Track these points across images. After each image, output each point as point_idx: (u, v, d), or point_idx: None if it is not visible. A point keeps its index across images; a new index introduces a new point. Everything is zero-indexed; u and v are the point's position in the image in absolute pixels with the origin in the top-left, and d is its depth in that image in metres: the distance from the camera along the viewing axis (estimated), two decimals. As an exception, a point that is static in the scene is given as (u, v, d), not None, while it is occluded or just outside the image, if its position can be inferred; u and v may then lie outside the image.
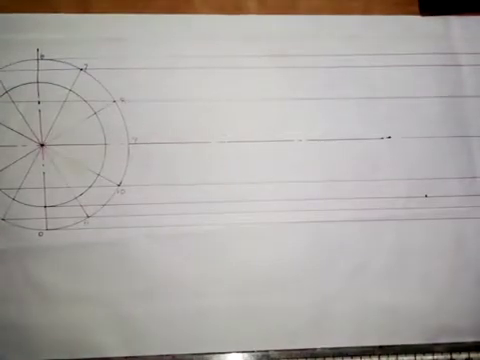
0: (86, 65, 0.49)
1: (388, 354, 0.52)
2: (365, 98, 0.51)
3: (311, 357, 0.52)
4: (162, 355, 0.51)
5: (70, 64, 0.49)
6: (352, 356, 0.52)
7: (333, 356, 0.52)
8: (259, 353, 0.52)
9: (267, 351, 0.52)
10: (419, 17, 0.51)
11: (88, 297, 0.50)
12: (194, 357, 0.51)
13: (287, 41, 0.51)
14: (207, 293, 0.51)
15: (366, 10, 0.51)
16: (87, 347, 0.51)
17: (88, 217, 0.50)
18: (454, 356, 0.52)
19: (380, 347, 0.52)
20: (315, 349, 0.52)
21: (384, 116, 0.51)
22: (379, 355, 0.52)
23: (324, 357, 0.52)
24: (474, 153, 0.52)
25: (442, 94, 0.52)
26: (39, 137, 0.49)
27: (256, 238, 0.51)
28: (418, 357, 0.52)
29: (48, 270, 0.50)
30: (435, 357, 0.52)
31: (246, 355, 0.52)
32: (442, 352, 0.52)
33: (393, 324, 0.52)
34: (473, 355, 0.53)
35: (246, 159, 0.51)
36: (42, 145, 0.50)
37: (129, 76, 0.50)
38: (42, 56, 0.49)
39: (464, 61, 0.52)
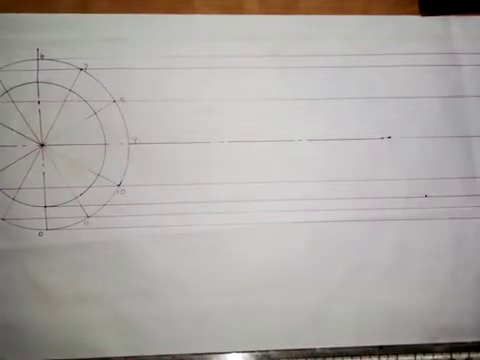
0: (86, 65, 0.49)
1: (388, 354, 0.52)
2: (365, 98, 0.51)
3: (311, 357, 0.52)
4: (162, 355, 0.51)
5: (70, 64, 0.49)
6: (352, 356, 0.52)
7: (333, 356, 0.52)
8: (259, 353, 0.52)
9: (267, 351, 0.52)
10: (419, 17, 0.51)
11: (88, 297, 0.50)
12: (194, 357, 0.51)
13: (287, 41, 0.51)
14: (207, 293, 0.51)
15: (366, 10, 0.51)
16: (87, 347, 0.51)
17: (88, 217, 0.50)
18: (454, 356, 0.52)
19: (380, 347, 0.52)
20: (315, 349, 0.52)
21: (384, 116, 0.51)
22: (379, 355, 0.52)
23: (324, 357, 0.52)
24: (474, 153, 0.52)
25: (442, 94, 0.52)
26: (39, 137, 0.49)
27: (256, 238, 0.51)
28: (418, 357, 0.52)
29: (48, 270, 0.50)
30: (435, 357, 0.52)
31: (246, 355, 0.52)
32: (442, 352, 0.52)
33: (393, 324, 0.52)
34: (473, 355, 0.53)
35: (246, 159, 0.51)
36: (42, 145, 0.50)
37: (129, 76, 0.50)
38: (42, 56, 0.49)
39: (464, 61, 0.52)
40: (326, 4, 0.51)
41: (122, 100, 0.50)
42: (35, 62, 0.49)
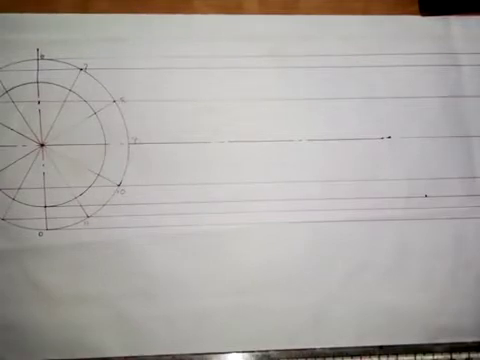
0: (86, 65, 0.49)
1: (388, 354, 0.52)
2: (365, 98, 0.51)
3: (311, 357, 0.52)
4: (162, 355, 0.51)
5: (70, 64, 0.49)
6: (352, 356, 0.52)
7: (333, 356, 0.52)
8: (259, 353, 0.52)
9: (267, 351, 0.52)
10: (419, 17, 0.51)
11: (88, 297, 0.50)
12: (194, 357, 0.51)
13: (287, 41, 0.51)
14: (207, 293, 0.51)
15: (366, 10, 0.51)
16: (87, 347, 0.51)
17: (88, 217, 0.50)
18: (454, 356, 0.52)
19: (380, 347, 0.52)
20: (315, 349, 0.52)
21: (384, 116, 0.51)
22: (379, 355, 0.52)
23: (324, 357, 0.52)
24: (474, 153, 0.52)
25: (442, 94, 0.52)
26: (39, 137, 0.49)
27: (256, 238, 0.51)
28: (418, 357, 0.52)
29: (48, 270, 0.50)
30: (435, 357, 0.52)
31: (246, 355, 0.52)
32: (442, 352, 0.52)
33: (393, 324, 0.52)
34: (473, 355, 0.53)
35: (246, 159, 0.51)
36: (42, 145, 0.50)
37: (129, 76, 0.50)
38: (42, 56, 0.49)
39: (464, 61, 0.52)
40: (326, 4, 0.51)
41: (122, 100, 0.50)
42: (35, 62, 0.49)
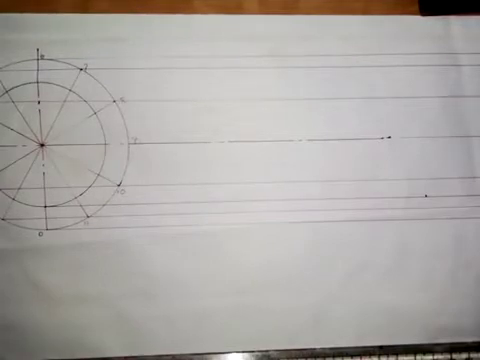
0: (86, 65, 0.49)
1: (388, 354, 0.52)
2: (365, 98, 0.51)
3: (311, 357, 0.52)
4: (162, 355, 0.51)
5: (70, 64, 0.49)
6: (352, 356, 0.52)
7: (333, 356, 0.52)
8: (259, 353, 0.52)
9: (267, 351, 0.52)
10: (419, 17, 0.51)
11: (88, 297, 0.50)
12: (194, 357, 0.51)
13: (287, 41, 0.51)
14: (207, 293, 0.51)
15: (366, 10, 0.51)
16: (87, 347, 0.51)
17: (88, 217, 0.50)
18: (454, 356, 0.52)
19: (380, 347, 0.52)
20: (315, 349, 0.52)
21: (384, 116, 0.51)
22: (379, 355, 0.52)
23: (324, 357, 0.52)
24: (474, 153, 0.52)
25: (442, 94, 0.52)
26: (39, 137, 0.49)
27: (256, 238, 0.51)
28: (418, 357, 0.52)
29: (48, 270, 0.50)
30: (435, 357, 0.52)
31: (246, 355, 0.52)
32: (442, 352, 0.52)
33: (393, 324, 0.52)
34: (473, 355, 0.53)
35: (246, 159, 0.51)
36: (42, 145, 0.50)
37: (129, 76, 0.50)
38: (42, 56, 0.49)
39: (464, 61, 0.52)
40: (326, 4, 0.51)
41: (122, 100, 0.50)
42: (35, 62, 0.49)
